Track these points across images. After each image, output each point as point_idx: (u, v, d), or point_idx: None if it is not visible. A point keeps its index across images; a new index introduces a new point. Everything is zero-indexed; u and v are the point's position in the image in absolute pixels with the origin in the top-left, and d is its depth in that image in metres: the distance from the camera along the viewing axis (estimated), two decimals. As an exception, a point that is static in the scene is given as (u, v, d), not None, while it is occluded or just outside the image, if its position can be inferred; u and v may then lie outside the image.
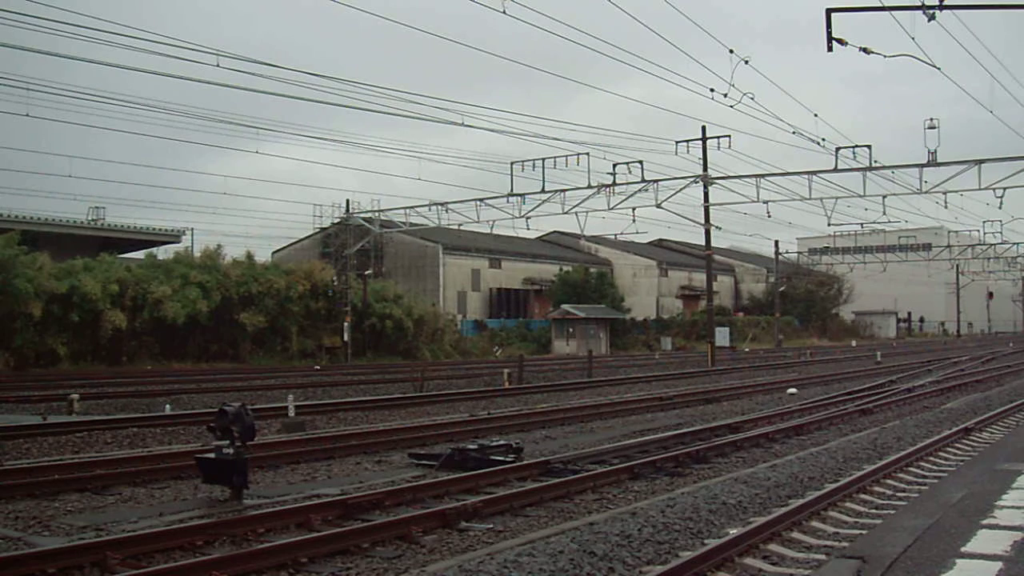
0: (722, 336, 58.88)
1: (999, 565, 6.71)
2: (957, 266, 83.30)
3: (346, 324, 45.06)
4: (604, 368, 37.14)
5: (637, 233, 41.31)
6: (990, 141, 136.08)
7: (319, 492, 10.94)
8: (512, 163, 36.46)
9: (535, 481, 11.45)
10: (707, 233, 41.50)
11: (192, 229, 75.11)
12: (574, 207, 37.65)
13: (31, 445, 14.47)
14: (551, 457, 12.95)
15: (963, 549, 7.21)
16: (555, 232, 77.85)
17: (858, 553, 7.15)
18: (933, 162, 31.74)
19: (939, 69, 21.01)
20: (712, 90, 28.01)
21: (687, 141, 38.07)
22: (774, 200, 38.03)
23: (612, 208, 36.78)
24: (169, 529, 8.51)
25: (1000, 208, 48.53)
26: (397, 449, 14.53)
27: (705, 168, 39.30)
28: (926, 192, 34.08)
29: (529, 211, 38.19)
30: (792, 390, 25.66)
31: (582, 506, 10.25)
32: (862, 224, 49.69)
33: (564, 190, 36.93)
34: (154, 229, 50.43)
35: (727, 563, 7.16)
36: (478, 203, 39.47)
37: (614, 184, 35.82)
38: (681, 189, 37.47)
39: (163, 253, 45.78)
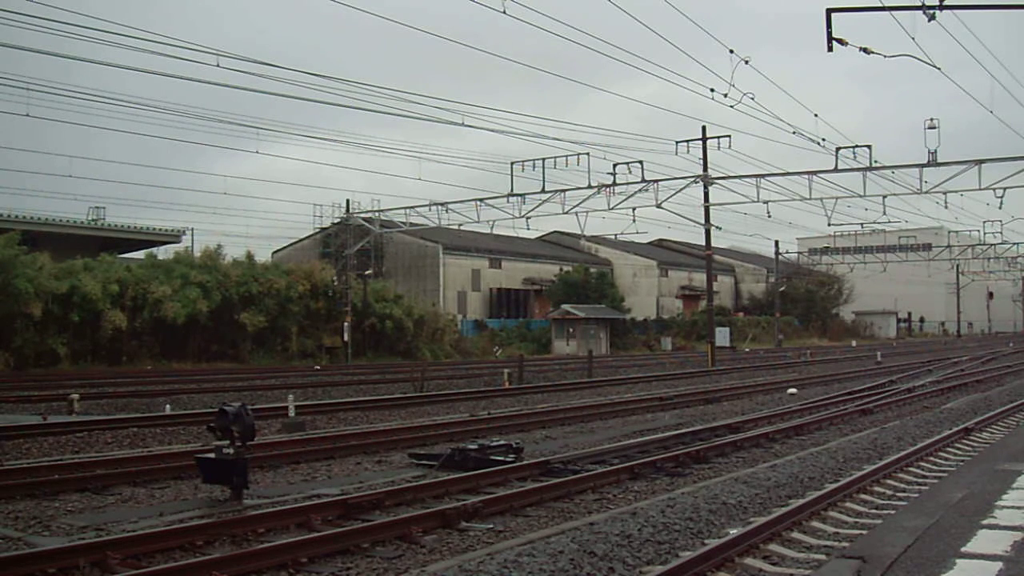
0: (722, 336, 58.89)
1: (999, 565, 6.71)
2: (957, 266, 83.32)
3: (346, 324, 45.06)
4: (604, 368, 37.13)
5: (637, 233, 41.31)
6: (990, 141, 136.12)
7: (319, 492, 10.93)
8: (512, 163, 36.51)
9: (535, 481, 11.45)
10: (707, 233, 41.51)
11: (192, 229, 75.20)
12: (574, 207, 37.70)
13: (31, 445, 14.47)
14: (551, 457, 12.94)
15: (963, 549, 7.20)
16: (555, 232, 77.84)
17: (858, 553, 7.15)
18: (933, 162, 31.74)
19: (939, 69, 21.03)
20: (712, 90, 28.01)
21: (687, 141, 38.11)
22: (774, 200, 38.08)
23: (612, 208, 36.81)
24: (169, 529, 8.51)
25: (1000, 208, 48.76)
26: (397, 449, 14.52)
27: (705, 168, 39.32)
28: (926, 192, 34.10)
29: (529, 211, 38.23)
30: (792, 390, 25.66)
31: (582, 506, 10.25)
32: (862, 224, 49.77)
33: (564, 190, 36.93)
34: (154, 229, 50.42)
35: (727, 563, 7.16)
36: (478, 203, 39.48)
37: (614, 184, 35.83)
38: (681, 189, 37.51)
39: (163, 253, 45.85)
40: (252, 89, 67.67)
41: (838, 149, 32.56)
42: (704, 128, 39.54)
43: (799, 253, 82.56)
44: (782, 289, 73.34)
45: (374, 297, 48.63)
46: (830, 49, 14.79)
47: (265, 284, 43.25)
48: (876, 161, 32.85)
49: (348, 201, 51.59)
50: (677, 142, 37.95)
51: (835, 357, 49.06)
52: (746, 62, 27.06)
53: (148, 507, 10.15)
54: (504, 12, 19.33)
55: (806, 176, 35.09)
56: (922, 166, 32.50)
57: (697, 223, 41.93)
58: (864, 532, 8.12)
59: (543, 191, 36.71)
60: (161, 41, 28.55)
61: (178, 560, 7.72)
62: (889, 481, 10.72)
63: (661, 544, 7.69)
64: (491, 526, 9.14)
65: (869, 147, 32.27)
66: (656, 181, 36.04)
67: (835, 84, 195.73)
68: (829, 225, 40.10)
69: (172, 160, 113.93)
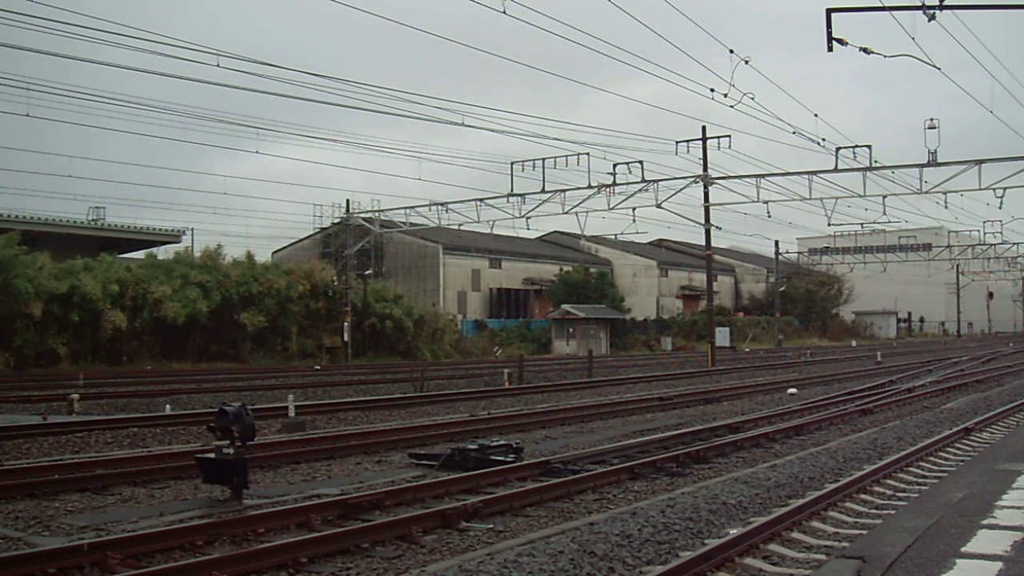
0: (722, 336, 58.90)
1: (999, 565, 6.71)
2: (957, 266, 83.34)
3: (346, 324, 45.06)
4: (604, 368, 37.12)
5: (637, 233, 41.31)
6: (990, 141, 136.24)
7: (319, 492, 10.93)
8: (512, 163, 36.53)
9: (535, 481, 11.45)
10: (707, 233, 41.50)
11: (192, 229, 75.17)
12: (574, 207, 37.71)
13: (31, 445, 14.47)
14: (551, 457, 12.94)
15: (963, 549, 7.20)
16: (555, 232, 77.85)
17: (858, 553, 7.14)
18: (933, 162, 31.76)
19: (939, 69, 21.04)
20: (712, 90, 28.03)
21: (687, 141, 38.13)
22: (774, 200, 38.09)
23: (612, 208, 36.83)
24: (169, 529, 8.51)
25: (1000, 208, 48.78)
26: (397, 449, 14.52)
27: (705, 168, 39.33)
28: (926, 192, 34.11)
29: (529, 211, 38.24)
30: (792, 390, 25.66)
31: (582, 506, 10.25)
32: (862, 224, 49.80)
33: (564, 190, 36.94)
34: (154, 229, 50.43)
35: (727, 563, 7.16)
36: (478, 203, 39.50)
37: (614, 184, 35.84)
38: (681, 189, 37.52)
39: (163, 253, 45.83)
40: (252, 89, 67.79)
41: (838, 149, 32.60)
42: (704, 128, 39.60)
43: (799, 253, 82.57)
44: (782, 289, 73.36)
45: (374, 297, 48.63)
46: (830, 49, 14.81)
47: (265, 284, 43.25)
48: (876, 161, 32.90)
49: (348, 201, 51.64)
50: (677, 142, 38.04)
51: (835, 357, 49.05)
52: (746, 62, 27.10)
53: (148, 507, 10.15)
54: (504, 12, 19.36)
55: (806, 176, 35.10)
56: (922, 166, 32.51)
57: (697, 223, 41.96)
58: (864, 532, 8.11)
59: (543, 191, 36.73)
60: (161, 41, 28.55)
61: (178, 560, 7.72)
62: (889, 481, 10.71)
63: (661, 544, 7.69)
64: (491, 526, 9.14)
65: (869, 147, 32.33)
66: (656, 181, 36.07)
67: (835, 84, 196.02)
68: (829, 225, 40.17)
69: (172, 160, 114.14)
